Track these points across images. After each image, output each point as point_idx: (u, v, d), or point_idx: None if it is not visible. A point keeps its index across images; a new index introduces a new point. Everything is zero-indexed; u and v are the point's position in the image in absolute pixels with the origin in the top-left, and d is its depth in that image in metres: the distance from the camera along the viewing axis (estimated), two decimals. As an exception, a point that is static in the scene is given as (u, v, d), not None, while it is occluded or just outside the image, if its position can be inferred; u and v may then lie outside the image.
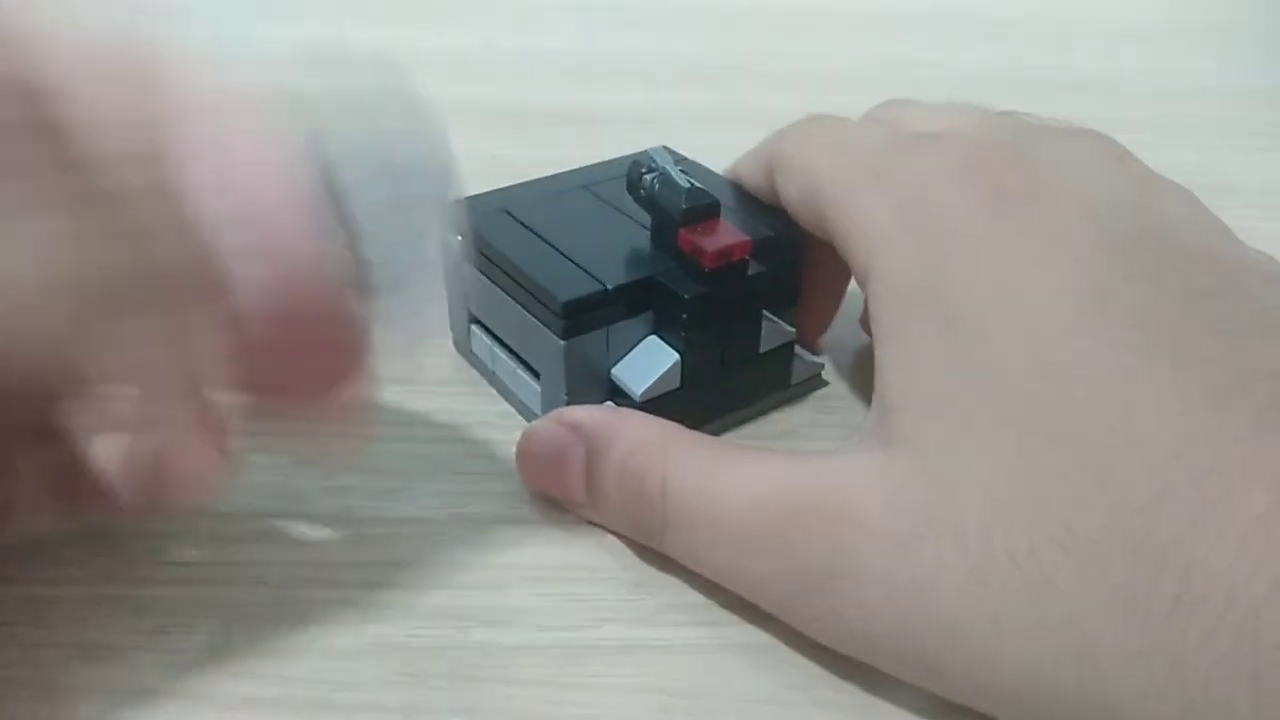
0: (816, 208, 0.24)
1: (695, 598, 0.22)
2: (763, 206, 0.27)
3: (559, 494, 0.24)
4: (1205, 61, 0.57)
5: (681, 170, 0.24)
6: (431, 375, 0.28)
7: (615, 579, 0.22)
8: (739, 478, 0.21)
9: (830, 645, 0.20)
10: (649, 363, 0.24)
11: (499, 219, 0.26)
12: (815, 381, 0.28)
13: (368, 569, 0.22)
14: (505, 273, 0.25)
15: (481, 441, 0.26)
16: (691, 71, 0.53)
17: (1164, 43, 0.60)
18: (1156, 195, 0.21)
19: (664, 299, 0.24)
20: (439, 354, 0.29)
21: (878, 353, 0.21)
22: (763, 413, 0.27)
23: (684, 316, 0.23)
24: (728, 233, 0.24)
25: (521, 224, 0.26)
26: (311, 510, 0.24)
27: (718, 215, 0.24)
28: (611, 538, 0.23)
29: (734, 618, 0.21)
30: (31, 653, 0.20)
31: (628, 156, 0.27)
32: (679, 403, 0.24)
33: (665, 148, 0.26)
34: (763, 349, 0.26)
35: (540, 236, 0.25)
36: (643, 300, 0.24)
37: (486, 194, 0.27)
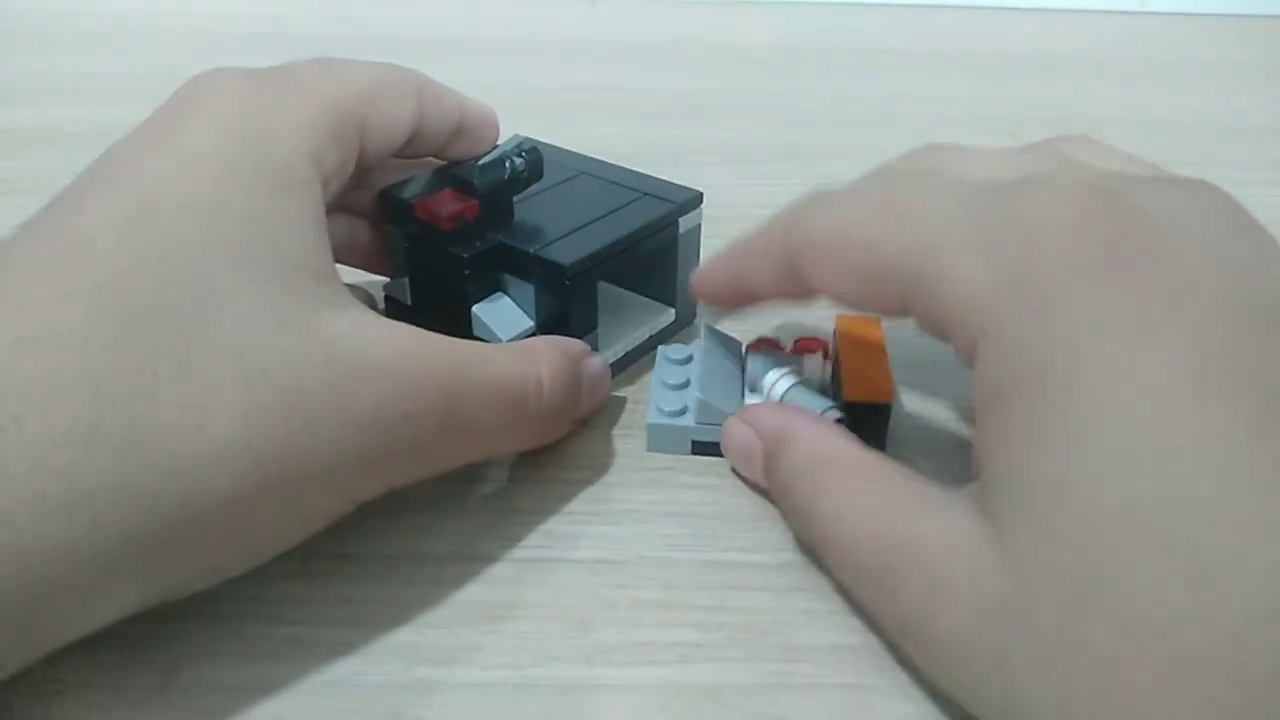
0: (892, 286, 0.22)
1: (640, 636, 0.22)
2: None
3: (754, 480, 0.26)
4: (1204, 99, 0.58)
5: (519, 155, 0.29)
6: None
7: (561, 617, 0.23)
8: (864, 505, 0.22)
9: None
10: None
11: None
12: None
13: (319, 605, 0.23)
14: None
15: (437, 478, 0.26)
16: (671, 107, 0.53)
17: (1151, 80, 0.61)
18: (1276, 256, 0.19)
19: None
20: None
21: (979, 420, 0.20)
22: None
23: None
24: (446, 202, 0.28)
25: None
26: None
27: (463, 190, 0.28)
28: (562, 575, 0.24)
29: (677, 657, 0.22)
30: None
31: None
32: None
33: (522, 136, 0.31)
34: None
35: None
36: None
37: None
